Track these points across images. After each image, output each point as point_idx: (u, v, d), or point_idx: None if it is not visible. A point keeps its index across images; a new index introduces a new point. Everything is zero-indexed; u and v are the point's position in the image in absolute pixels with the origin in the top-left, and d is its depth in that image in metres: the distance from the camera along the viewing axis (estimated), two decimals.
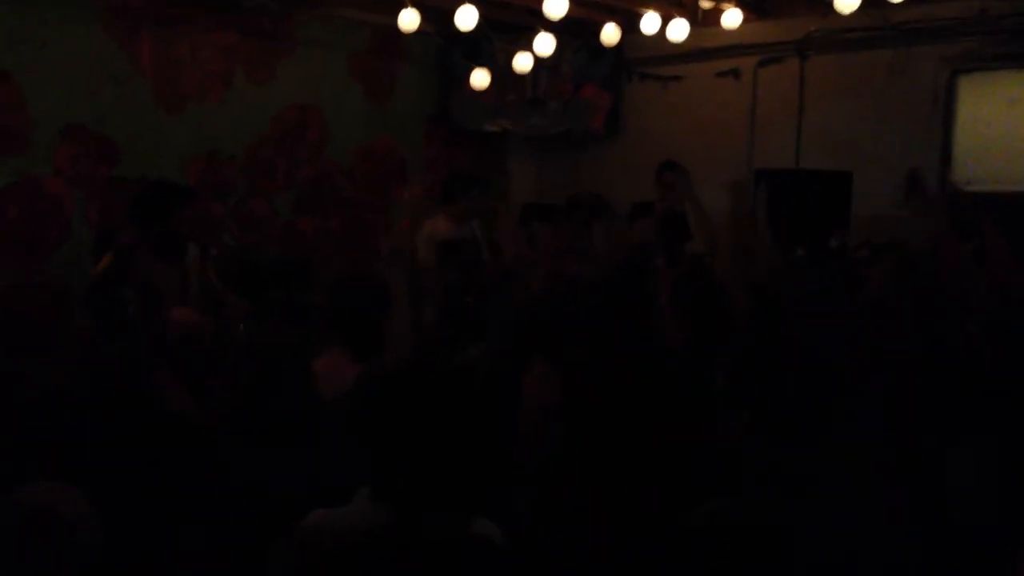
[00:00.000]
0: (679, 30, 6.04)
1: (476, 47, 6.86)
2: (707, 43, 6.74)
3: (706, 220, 5.37)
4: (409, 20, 5.69)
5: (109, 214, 5.50)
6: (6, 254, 5.23)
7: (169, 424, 2.62)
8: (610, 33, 6.28)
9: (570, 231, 5.49)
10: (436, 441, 1.85)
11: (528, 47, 6.28)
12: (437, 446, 1.85)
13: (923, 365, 2.72)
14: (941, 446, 2.46)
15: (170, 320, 3.14)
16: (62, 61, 5.37)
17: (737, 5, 6.07)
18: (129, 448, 2.52)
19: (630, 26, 6.29)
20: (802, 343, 2.87)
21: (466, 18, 5.48)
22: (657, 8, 6.06)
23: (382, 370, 2.35)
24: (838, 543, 2.18)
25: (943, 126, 6.20)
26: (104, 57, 5.56)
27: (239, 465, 2.42)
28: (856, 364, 2.70)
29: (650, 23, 6.04)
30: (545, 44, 6.12)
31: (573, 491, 2.56)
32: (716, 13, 6.19)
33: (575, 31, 6.73)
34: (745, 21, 6.16)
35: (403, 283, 4.53)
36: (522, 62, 6.48)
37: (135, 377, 2.69)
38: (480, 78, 6.52)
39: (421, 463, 1.84)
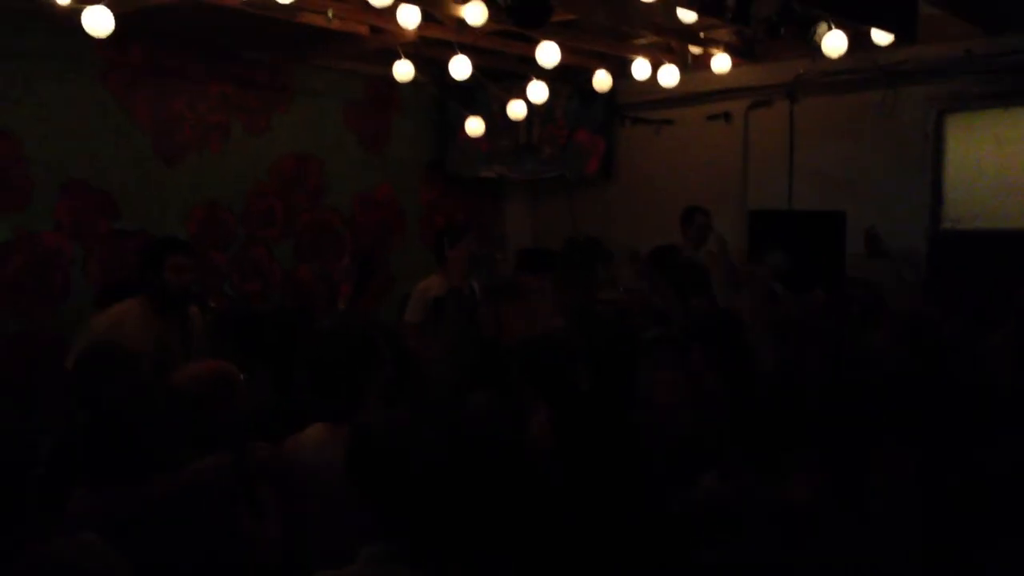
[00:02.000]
0: (670, 75, 6.14)
1: (470, 95, 6.96)
2: (698, 87, 6.84)
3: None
4: (404, 71, 5.78)
5: (110, 267, 5.55)
6: (9, 307, 5.26)
7: None
8: (602, 79, 6.38)
9: (569, 276, 5.51)
10: (459, 491, 1.84)
11: (522, 94, 6.37)
12: (461, 496, 1.83)
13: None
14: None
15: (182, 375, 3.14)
16: (61, 117, 5.45)
17: (726, 50, 6.17)
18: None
19: (621, 72, 6.39)
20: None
21: (460, 68, 5.57)
22: (647, 54, 6.16)
23: (387, 422, 2.33)
24: None
25: (933, 165, 6.29)
26: (103, 112, 5.65)
27: None
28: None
29: (641, 69, 6.14)
30: (538, 91, 6.22)
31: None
32: (706, 58, 6.28)
33: (567, 78, 6.84)
34: (734, 65, 6.26)
35: None
36: (516, 109, 6.56)
37: None
38: (475, 125, 6.60)
39: (446, 516, 1.82)
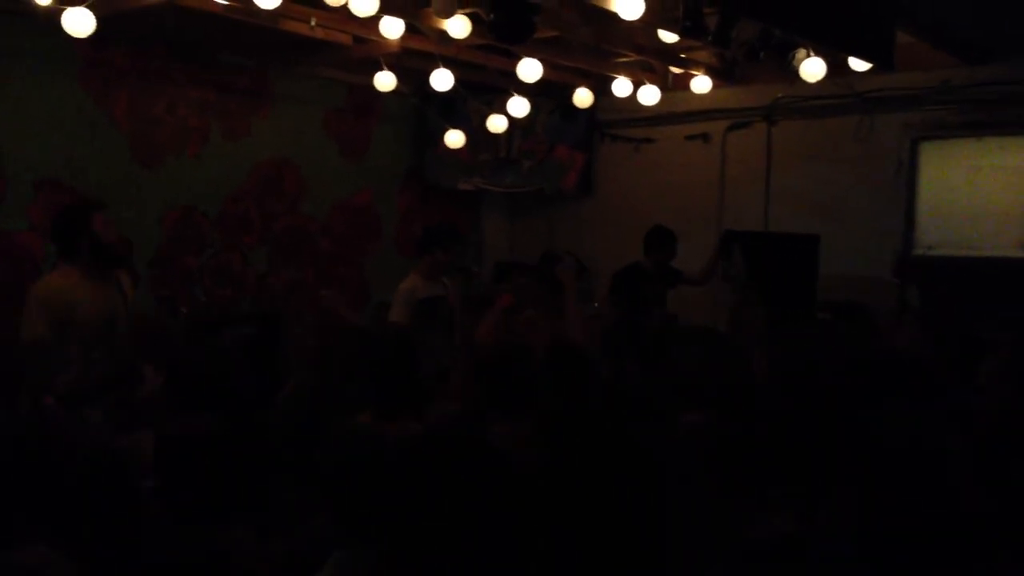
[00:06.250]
0: (650, 95, 6.19)
1: (451, 107, 6.97)
2: (677, 107, 6.90)
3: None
4: (385, 81, 5.78)
5: None
6: None
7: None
8: (583, 96, 6.42)
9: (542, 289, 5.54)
10: (427, 500, 1.83)
11: (503, 108, 6.39)
12: (428, 505, 1.83)
13: None
14: None
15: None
16: (38, 115, 5.39)
17: (706, 72, 6.22)
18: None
19: (602, 89, 6.43)
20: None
21: (442, 80, 5.58)
22: (628, 73, 6.20)
23: (356, 430, 2.33)
24: None
25: (906, 191, 6.37)
26: (81, 112, 5.59)
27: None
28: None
29: (622, 87, 6.18)
30: (519, 106, 6.24)
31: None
32: (686, 78, 6.34)
33: (549, 93, 6.87)
34: (714, 87, 6.31)
35: None
36: (497, 122, 6.58)
37: None
38: (455, 137, 6.61)
39: (411, 525, 1.81)
